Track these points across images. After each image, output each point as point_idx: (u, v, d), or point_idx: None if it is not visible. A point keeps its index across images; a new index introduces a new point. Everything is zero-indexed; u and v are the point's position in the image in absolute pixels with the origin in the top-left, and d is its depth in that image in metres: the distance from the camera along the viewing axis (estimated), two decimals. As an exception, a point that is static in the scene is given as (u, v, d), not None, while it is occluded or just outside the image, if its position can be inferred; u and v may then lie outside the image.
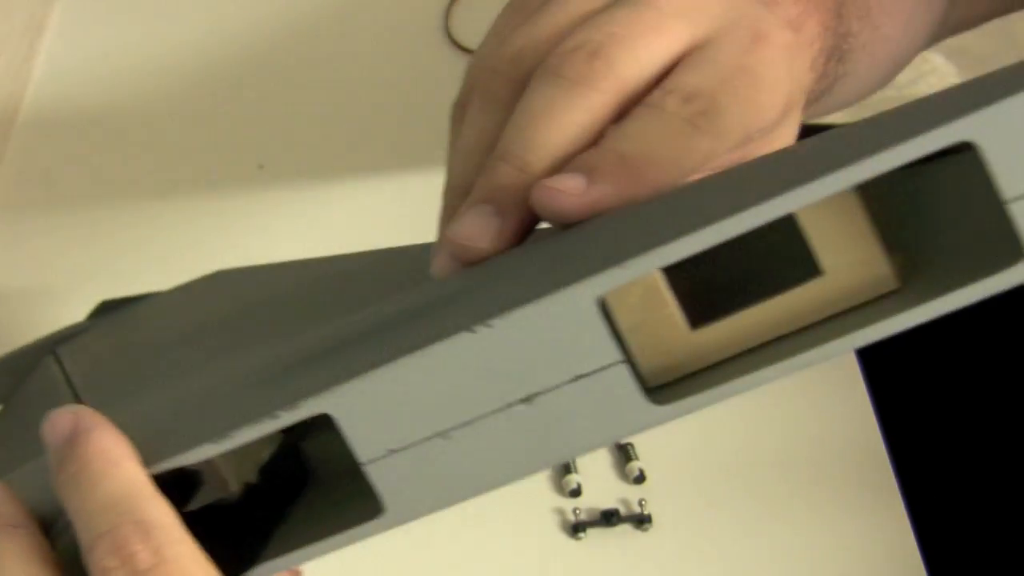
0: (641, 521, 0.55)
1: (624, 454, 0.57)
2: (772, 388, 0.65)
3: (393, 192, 0.67)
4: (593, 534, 0.55)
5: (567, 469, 0.56)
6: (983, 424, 0.65)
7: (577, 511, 0.55)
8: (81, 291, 0.60)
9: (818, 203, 0.29)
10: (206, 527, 0.31)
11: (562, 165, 0.34)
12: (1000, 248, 0.27)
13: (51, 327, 0.52)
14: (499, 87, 0.37)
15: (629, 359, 0.29)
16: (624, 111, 0.35)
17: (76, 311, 0.53)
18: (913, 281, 0.30)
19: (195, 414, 0.34)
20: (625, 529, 0.55)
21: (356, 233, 0.65)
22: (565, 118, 0.35)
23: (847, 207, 0.30)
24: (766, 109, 0.36)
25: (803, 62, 0.39)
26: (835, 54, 0.41)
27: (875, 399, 0.59)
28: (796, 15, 0.39)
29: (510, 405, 0.29)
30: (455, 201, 0.36)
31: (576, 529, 0.55)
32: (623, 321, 0.30)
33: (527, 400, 0.29)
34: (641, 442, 0.57)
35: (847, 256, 0.30)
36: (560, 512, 0.55)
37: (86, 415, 0.32)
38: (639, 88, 0.36)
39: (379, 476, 0.30)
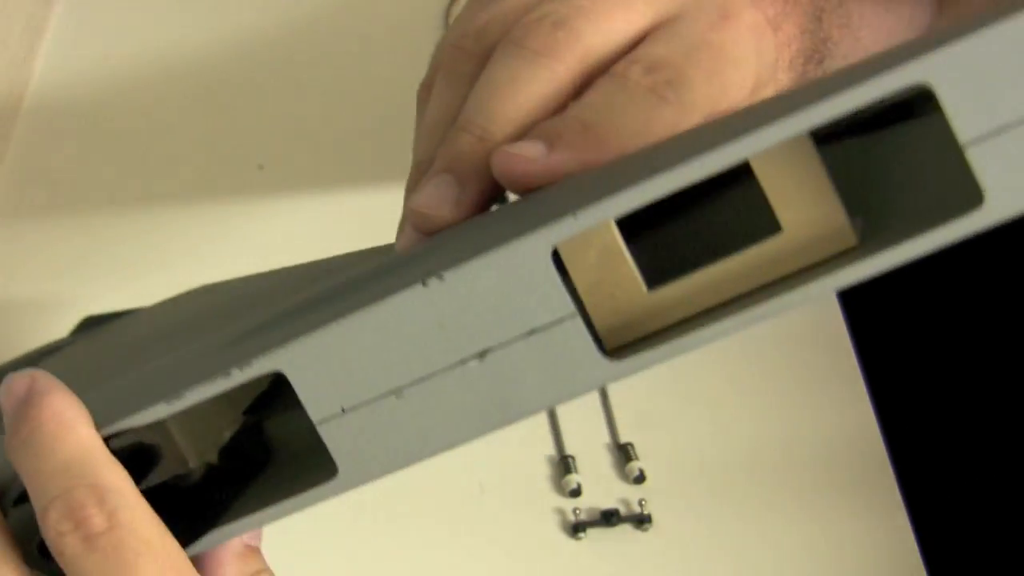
0: (641, 521, 0.55)
1: (624, 454, 0.57)
2: (771, 388, 0.65)
3: (394, 192, 0.67)
4: (593, 534, 0.55)
5: (567, 469, 0.56)
6: (983, 424, 0.65)
7: (577, 511, 0.55)
8: (80, 291, 0.60)
9: (777, 159, 0.29)
10: (164, 504, 0.31)
11: (523, 135, 0.34)
12: (960, 195, 0.26)
13: (50, 329, 0.52)
14: (463, 62, 0.37)
15: (584, 314, 0.29)
16: (587, 85, 0.35)
17: (74, 312, 0.53)
18: (873, 238, 0.29)
19: (152, 382, 0.34)
20: (625, 529, 0.55)
21: (357, 234, 0.65)
22: (527, 88, 0.34)
23: (807, 164, 0.29)
24: (733, 86, 0.36)
25: (783, 61, 0.39)
26: (814, 57, 0.41)
27: (875, 399, 0.59)
28: (774, 15, 0.39)
29: (463, 361, 0.29)
30: (420, 177, 0.36)
31: (576, 529, 0.55)
32: (580, 281, 0.30)
33: (480, 356, 0.29)
34: (641, 442, 0.57)
35: (806, 213, 0.29)
36: (560, 512, 0.55)
37: (42, 378, 0.32)
38: (603, 61, 0.35)
39: (332, 436, 0.30)
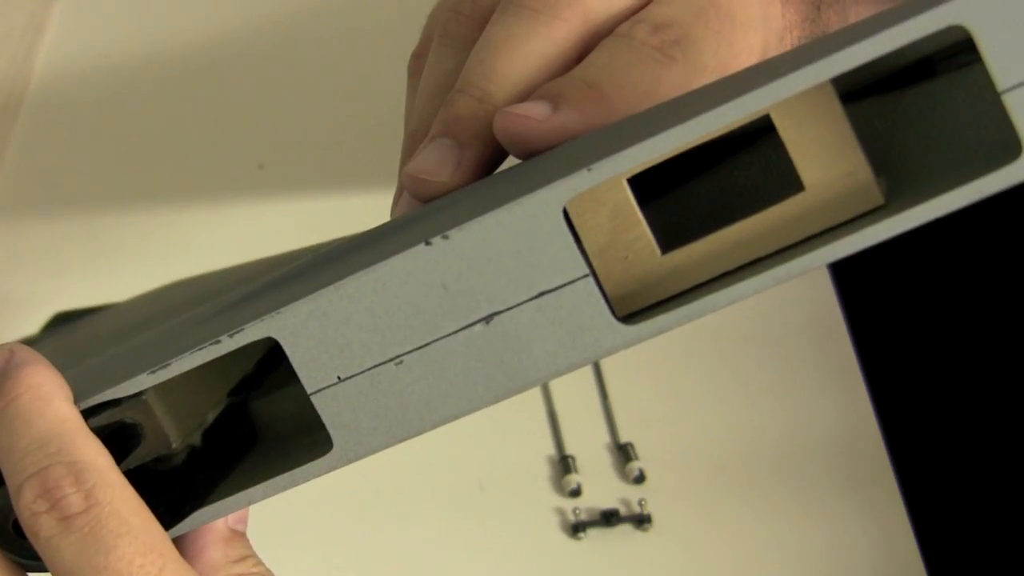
0: (641, 521, 0.55)
1: (624, 454, 0.57)
2: (771, 387, 0.65)
3: (393, 192, 0.67)
4: (593, 534, 0.55)
5: (567, 469, 0.56)
6: (980, 417, 0.65)
7: (577, 511, 0.55)
8: (79, 289, 0.60)
9: (799, 114, 0.27)
10: (146, 487, 0.30)
11: (525, 97, 0.33)
12: (995, 147, 0.25)
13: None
14: (459, 26, 0.36)
15: (595, 277, 0.27)
16: (591, 48, 0.34)
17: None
18: (900, 196, 0.27)
19: (134, 355, 0.32)
20: (625, 529, 0.55)
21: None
22: (527, 48, 0.33)
23: (831, 120, 0.28)
24: (741, 51, 0.35)
25: (785, 43, 0.39)
26: None
27: (874, 398, 0.59)
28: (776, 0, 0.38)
29: (468, 326, 0.27)
30: (415, 147, 0.35)
31: (576, 529, 0.55)
32: (590, 243, 0.28)
33: (486, 320, 0.27)
34: (641, 442, 0.57)
35: (830, 170, 0.28)
36: (560, 512, 0.55)
37: (21, 351, 0.30)
38: (607, 22, 0.34)
39: (328, 407, 0.29)
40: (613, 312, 0.27)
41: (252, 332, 0.28)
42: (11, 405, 0.29)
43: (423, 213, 0.31)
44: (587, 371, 0.60)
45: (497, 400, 0.28)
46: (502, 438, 0.58)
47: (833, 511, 0.56)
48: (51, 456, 0.29)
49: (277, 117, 0.72)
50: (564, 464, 0.57)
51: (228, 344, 0.28)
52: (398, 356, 0.28)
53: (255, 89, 0.74)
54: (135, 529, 0.29)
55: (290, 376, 0.29)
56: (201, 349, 0.29)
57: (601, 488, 0.56)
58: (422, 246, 0.27)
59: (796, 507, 0.56)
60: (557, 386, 0.59)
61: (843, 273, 0.64)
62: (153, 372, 0.29)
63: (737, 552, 0.55)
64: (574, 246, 0.27)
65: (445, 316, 0.28)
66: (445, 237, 0.27)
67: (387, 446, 0.29)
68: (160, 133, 0.72)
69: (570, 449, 0.57)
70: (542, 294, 0.27)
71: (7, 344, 0.31)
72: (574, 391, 0.59)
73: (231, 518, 0.32)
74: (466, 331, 0.28)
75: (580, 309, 0.27)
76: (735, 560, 0.55)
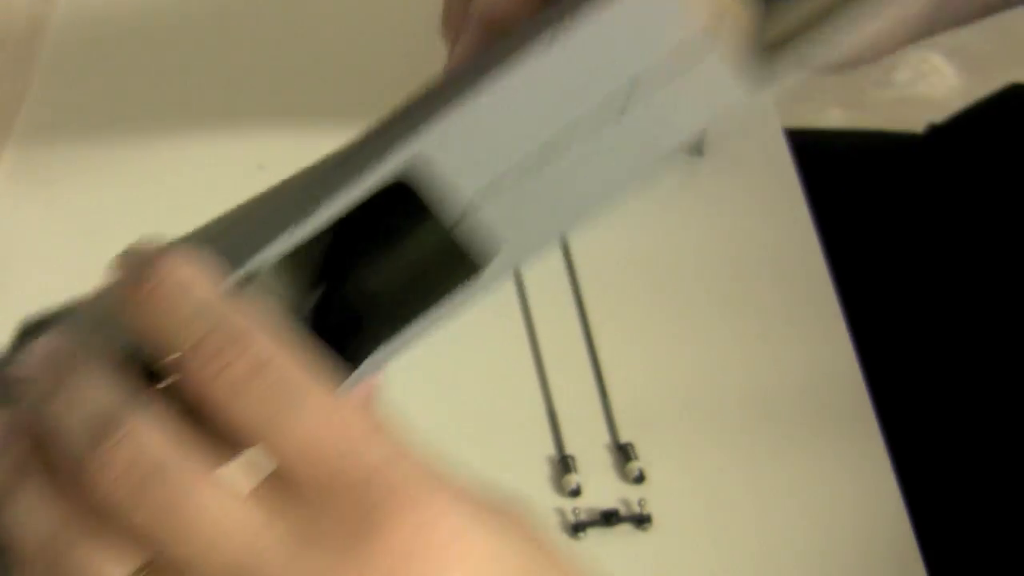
0: (641, 521, 0.55)
1: (624, 454, 0.57)
2: (772, 388, 0.64)
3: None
4: (593, 534, 0.55)
5: (567, 469, 0.56)
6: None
7: (577, 511, 0.55)
8: (79, 288, 0.60)
9: None
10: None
11: None
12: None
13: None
14: None
15: (714, 33, 0.29)
16: None
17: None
18: None
19: (259, 223, 0.32)
20: (625, 529, 0.55)
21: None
22: None
23: None
24: None
25: None
26: None
27: (874, 398, 0.59)
28: None
29: (611, 96, 0.29)
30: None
31: (576, 529, 0.55)
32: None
33: (629, 88, 0.29)
34: (641, 442, 0.57)
35: None
36: (560, 512, 0.55)
37: (161, 243, 0.31)
38: None
39: (486, 214, 0.29)
40: (739, 65, 0.29)
41: (398, 156, 0.28)
42: (162, 284, 0.29)
43: (530, 27, 0.32)
44: (587, 371, 0.60)
45: (644, 176, 0.29)
46: (502, 438, 0.58)
47: (833, 511, 0.56)
48: (213, 325, 0.29)
49: (277, 117, 0.72)
50: (564, 464, 0.57)
51: (381, 171, 0.29)
52: (550, 143, 0.29)
53: (255, 89, 0.74)
54: (314, 389, 0.28)
55: (397, 232, 0.31)
56: (349, 188, 0.29)
57: (601, 488, 0.56)
58: (559, 35, 0.28)
59: (795, 508, 0.56)
60: (557, 386, 0.59)
61: (842, 268, 0.64)
62: (301, 224, 0.29)
63: (737, 552, 0.55)
64: (693, 7, 0.28)
65: (587, 98, 0.29)
66: (571, 25, 0.28)
67: (548, 243, 0.30)
68: (159, 133, 0.72)
69: (570, 449, 0.57)
70: (671, 57, 0.28)
71: (143, 243, 0.31)
72: (574, 391, 0.59)
73: (361, 394, 0.32)
74: (609, 103, 0.29)
75: (709, 67, 0.29)
76: (735, 560, 0.55)
